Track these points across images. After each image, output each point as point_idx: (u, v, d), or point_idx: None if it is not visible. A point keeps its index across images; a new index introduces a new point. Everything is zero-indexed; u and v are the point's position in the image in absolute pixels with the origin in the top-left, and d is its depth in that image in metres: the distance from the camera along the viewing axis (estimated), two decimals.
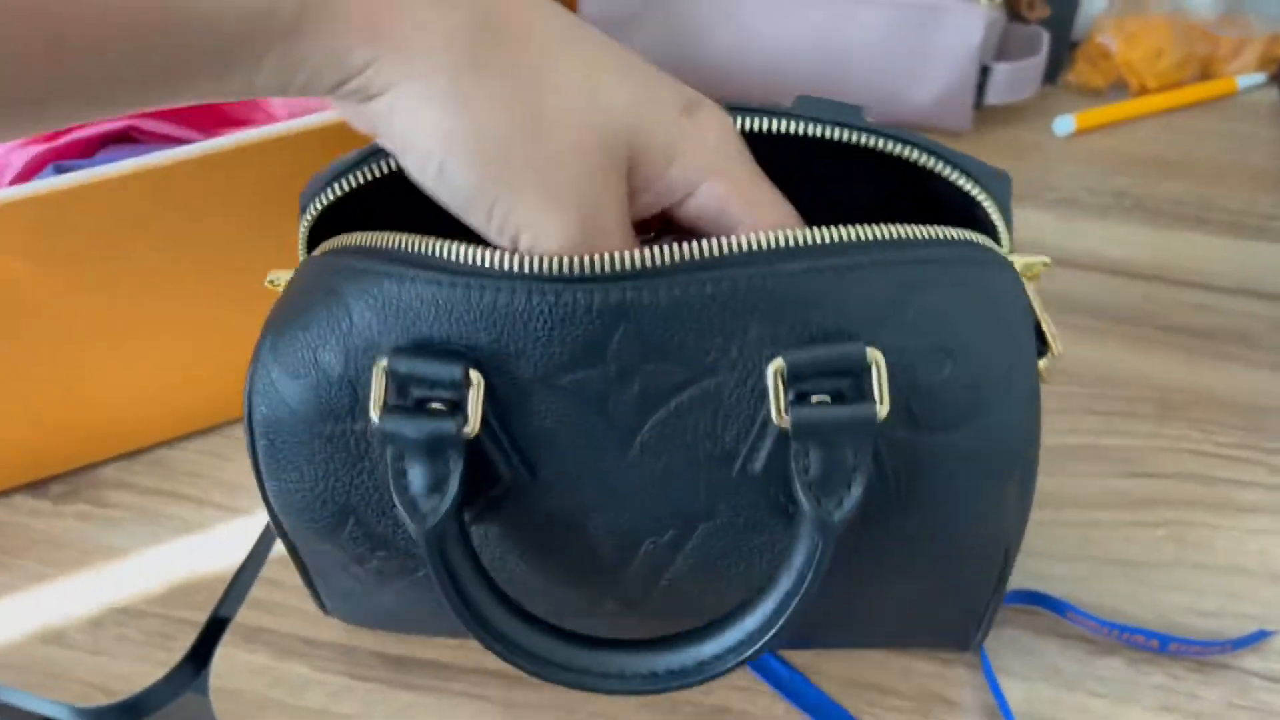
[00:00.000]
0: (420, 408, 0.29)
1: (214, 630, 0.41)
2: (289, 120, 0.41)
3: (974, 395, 0.29)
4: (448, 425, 0.28)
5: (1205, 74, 0.64)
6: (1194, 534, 0.43)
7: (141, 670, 0.40)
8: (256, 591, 0.43)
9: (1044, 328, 0.32)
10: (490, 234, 0.28)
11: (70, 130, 0.39)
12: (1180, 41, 0.61)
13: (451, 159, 0.27)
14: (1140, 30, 0.61)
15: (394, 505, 0.31)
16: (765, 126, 0.32)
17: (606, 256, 0.28)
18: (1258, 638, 0.39)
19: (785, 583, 0.29)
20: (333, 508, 0.32)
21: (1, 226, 0.37)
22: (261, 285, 0.44)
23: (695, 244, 0.28)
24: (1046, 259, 0.32)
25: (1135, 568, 0.42)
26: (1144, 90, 0.63)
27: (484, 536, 0.32)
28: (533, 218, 0.28)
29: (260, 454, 0.32)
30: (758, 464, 0.30)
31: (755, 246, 0.28)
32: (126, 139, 0.40)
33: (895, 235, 0.30)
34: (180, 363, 0.46)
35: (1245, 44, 0.63)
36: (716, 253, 0.28)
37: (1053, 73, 0.65)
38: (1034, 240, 0.56)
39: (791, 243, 0.29)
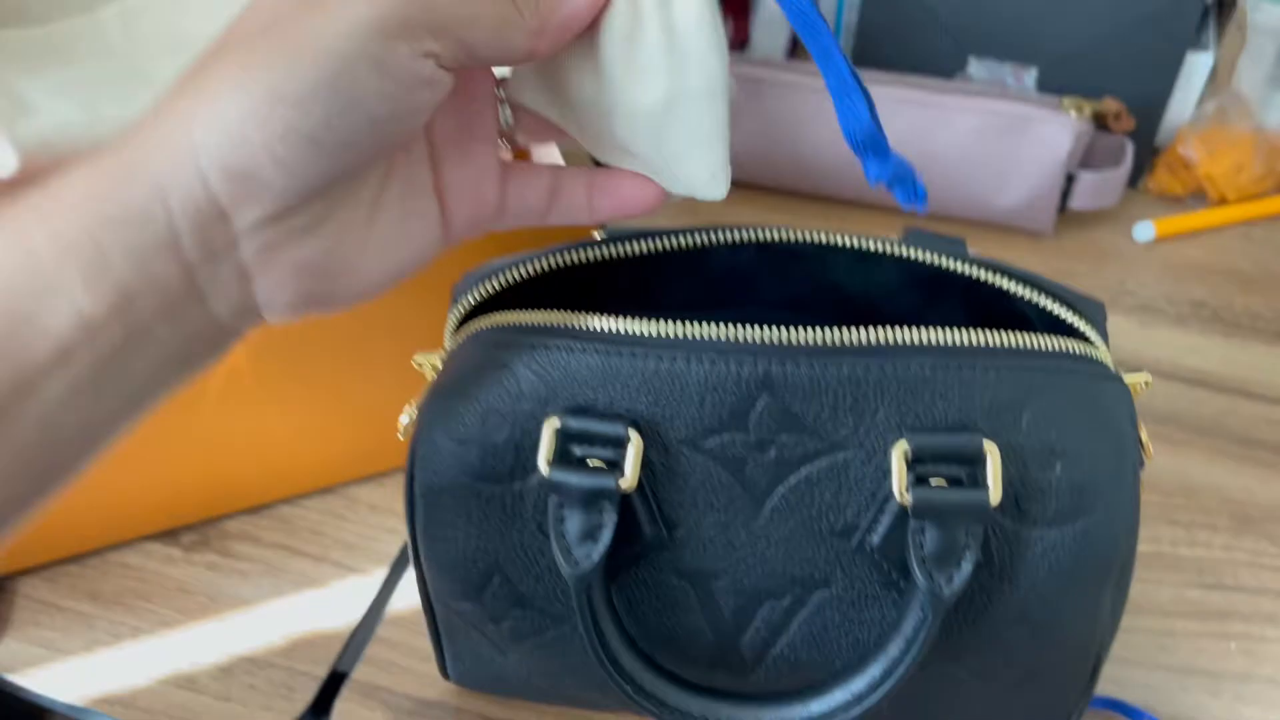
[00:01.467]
0: (581, 464, 0.33)
1: (333, 685, 0.44)
2: None
3: (1079, 497, 0.32)
4: (608, 480, 0.32)
5: None
6: (1266, 648, 0.44)
7: (266, 719, 0.43)
8: (372, 650, 0.46)
9: (1141, 437, 0.35)
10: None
11: None
12: (1262, 158, 0.63)
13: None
14: (1223, 145, 0.63)
15: (537, 563, 0.34)
16: (881, 249, 0.36)
17: (757, 331, 0.32)
18: None
19: (894, 649, 0.32)
20: (482, 566, 0.36)
21: None
22: (389, 359, 0.47)
23: (839, 330, 0.32)
24: (1149, 377, 0.35)
25: (1209, 678, 0.43)
26: (1223, 201, 0.65)
27: (618, 593, 0.35)
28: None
29: (419, 515, 0.36)
30: (875, 538, 0.33)
31: (894, 339, 0.32)
32: None
33: (1020, 343, 0.33)
34: (308, 427, 0.49)
35: None
36: (857, 340, 0.32)
37: (1133, 178, 0.67)
38: (1114, 346, 0.58)
39: (928, 339, 0.32)
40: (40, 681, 0.44)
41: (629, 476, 0.32)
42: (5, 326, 0.24)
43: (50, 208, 0.25)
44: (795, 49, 0.79)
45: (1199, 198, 0.66)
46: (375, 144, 0.26)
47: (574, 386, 0.33)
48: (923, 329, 0.32)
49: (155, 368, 0.26)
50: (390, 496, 0.52)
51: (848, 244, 0.36)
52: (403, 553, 0.49)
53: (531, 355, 0.34)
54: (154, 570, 0.49)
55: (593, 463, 0.33)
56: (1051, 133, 0.60)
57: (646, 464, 0.33)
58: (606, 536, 0.32)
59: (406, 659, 0.45)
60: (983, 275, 0.35)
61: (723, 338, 0.32)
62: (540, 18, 0.27)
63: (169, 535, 0.50)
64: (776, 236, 0.36)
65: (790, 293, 0.40)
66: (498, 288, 0.37)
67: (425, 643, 0.45)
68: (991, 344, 0.32)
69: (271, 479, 0.51)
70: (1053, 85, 0.66)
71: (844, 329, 0.32)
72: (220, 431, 0.47)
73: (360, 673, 0.45)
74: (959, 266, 0.35)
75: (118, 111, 0.47)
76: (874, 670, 0.32)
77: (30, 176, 0.45)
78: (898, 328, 0.32)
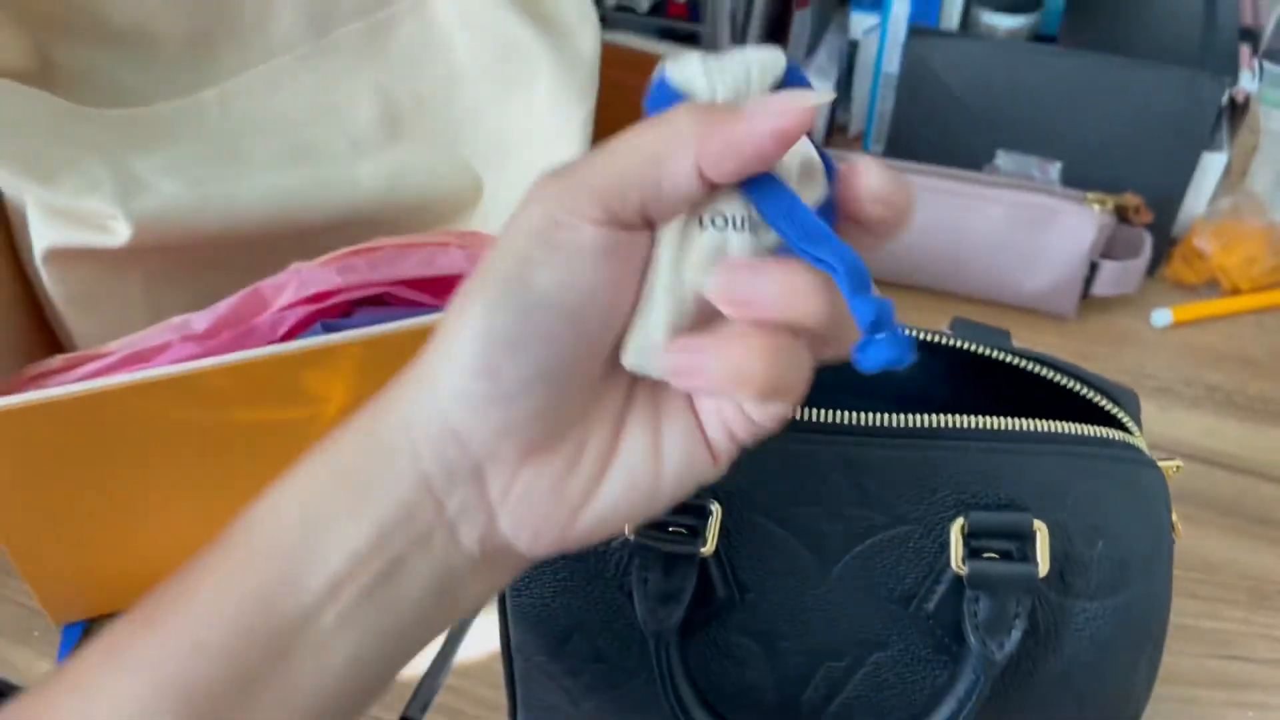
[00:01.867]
0: (663, 529, 0.36)
1: None
2: None
3: (1120, 572, 0.36)
4: (690, 546, 0.35)
5: None
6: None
7: None
8: (441, 698, 0.48)
9: (1173, 519, 0.38)
10: None
11: (337, 293, 0.46)
12: (1273, 251, 0.67)
13: None
14: (1236, 238, 0.67)
15: (615, 619, 0.37)
16: (935, 340, 0.39)
17: (837, 415, 0.35)
18: None
19: (947, 709, 0.35)
20: (565, 622, 0.39)
21: (281, 371, 0.44)
22: None
23: (913, 415, 0.35)
24: (1180, 463, 0.38)
25: None
26: (1236, 291, 0.69)
27: (690, 650, 0.38)
28: None
29: (511, 620, 0.39)
30: (931, 605, 0.36)
31: (954, 425, 0.35)
32: (378, 302, 0.48)
33: (1066, 431, 0.36)
34: None
35: None
36: (928, 425, 0.35)
37: (1150, 267, 0.71)
38: None
39: (984, 426, 0.36)
40: None
41: (709, 544, 0.35)
42: (296, 553, 0.26)
43: (331, 438, 0.27)
44: (830, 136, 0.83)
45: (1212, 287, 0.70)
46: (566, 325, 0.25)
47: None
48: (981, 417, 0.36)
49: (414, 602, 0.26)
50: None
51: (916, 336, 0.40)
52: None
53: None
54: None
55: (675, 529, 0.36)
56: (1077, 224, 0.64)
57: (724, 531, 0.36)
58: (686, 599, 0.35)
59: (475, 708, 0.48)
60: (1028, 365, 0.39)
61: (806, 418, 0.35)
62: (704, 135, 0.24)
63: None
64: None
65: (849, 381, 0.44)
66: None
67: (492, 692, 0.48)
68: (1041, 430, 0.36)
69: None
70: (1076, 177, 0.70)
71: (916, 415, 0.35)
72: None
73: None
74: (1006, 356, 0.39)
75: (222, 192, 0.51)
76: None
77: (141, 248, 0.49)
78: (959, 415, 0.36)
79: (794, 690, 0.38)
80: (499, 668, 0.42)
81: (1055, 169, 0.70)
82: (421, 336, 0.47)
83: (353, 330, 0.45)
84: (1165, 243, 0.70)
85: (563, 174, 0.25)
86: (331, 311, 0.47)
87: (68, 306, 0.50)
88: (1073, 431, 0.36)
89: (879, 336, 0.23)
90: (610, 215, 0.24)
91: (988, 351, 0.39)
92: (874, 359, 0.23)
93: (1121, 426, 0.38)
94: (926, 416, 0.36)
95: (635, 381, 0.27)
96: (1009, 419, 0.36)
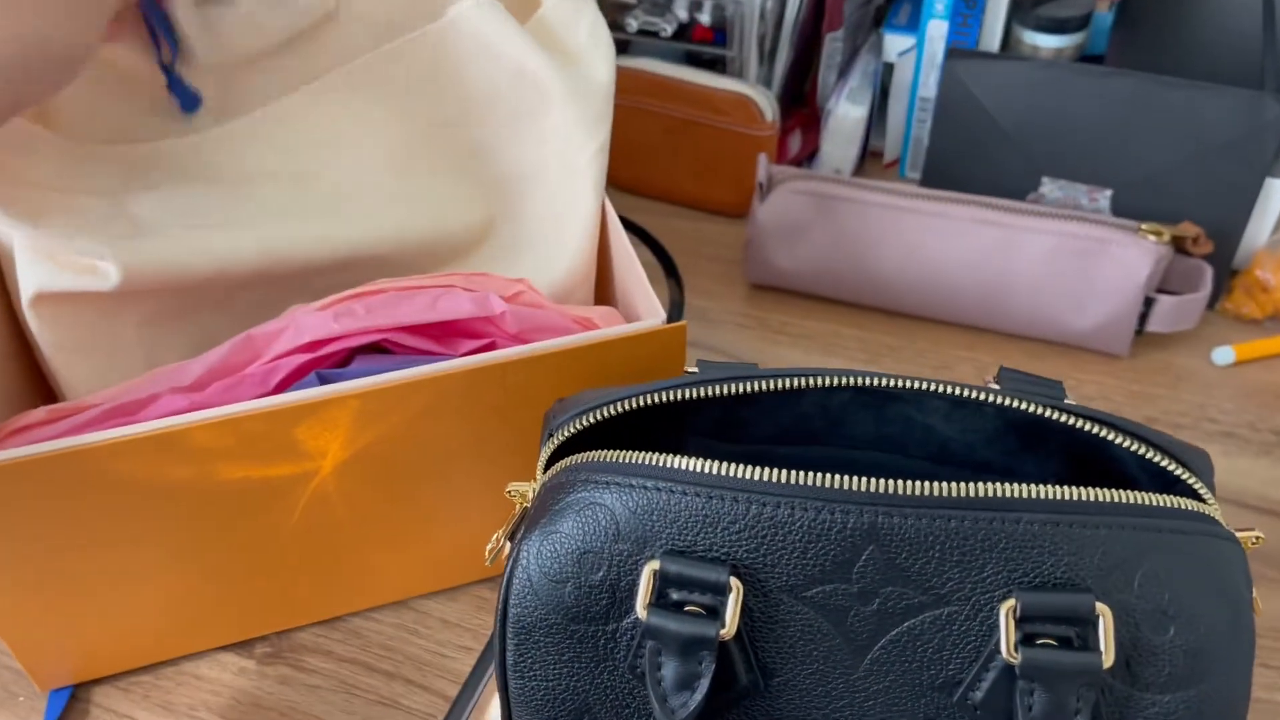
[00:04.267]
0: (679, 610, 0.32)
1: None
2: (518, 335, 0.45)
3: (1194, 662, 0.31)
4: (708, 628, 0.32)
5: None
6: None
7: None
8: None
9: (1253, 596, 0.34)
10: None
11: (333, 341, 0.43)
12: None
13: None
14: None
15: (627, 706, 0.34)
16: (979, 397, 0.35)
17: (863, 481, 0.32)
18: None
19: None
20: (570, 707, 0.35)
21: (274, 425, 0.41)
22: (473, 478, 0.47)
23: (947, 484, 0.31)
24: (1260, 534, 0.34)
25: None
26: None
27: None
28: None
29: (510, 651, 0.35)
30: (979, 694, 0.32)
31: (1004, 493, 0.31)
32: (376, 349, 0.45)
33: (1131, 500, 0.32)
34: (387, 544, 0.49)
35: None
36: (966, 493, 0.31)
37: (1210, 301, 0.67)
38: None
39: (1038, 495, 0.32)
40: None
41: (729, 625, 0.32)
42: None
43: None
44: (863, 163, 0.80)
45: (1277, 321, 0.66)
46: None
47: (673, 529, 0.33)
48: (1032, 486, 0.32)
49: None
50: (462, 611, 0.52)
51: (945, 391, 0.36)
52: (473, 672, 0.48)
53: (630, 495, 0.34)
54: (227, 682, 0.49)
55: (691, 609, 0.32)
56: (1131, 256, 0.60)
57: (745, 611, 0.33)
58: (704, 686, 0.32)
59: None
60: (1083, 425, 0.35)
61: (829, 485, 0.32)
62: None
63: (243, 646, 0.50)
64: (874, 382, 0.36)
65: (883, 433, 0.40)
66: (592, 422, 0.37)
67: None
68: (1102, 500, 0.32)
69: (347, 593, 0.51)
70: (1128, 206, 0.66)
71: (953, 483, 0.32)
72: (299, 546, 0.48)
73: None
74: (1061, 416, 0.35)
75: (221, 236, 0.48)
76: None
77: (134, 291, 0.47)
78: (1007, 483, 0.32)
79: None
80: None
81: (1106, 197, 0.66)
82: (422, 388, 0.45)
83: (349, 381, 0.42)
84: (1225, 275, 0.66)
85: None
86: (327, 360, 0.44)
87: (56, 353, 0.48)
88: (1138, 501, 0.32)
89: None
90: None
91: (1039, 410, 0.35)
92: None
93: (1193, 494, 0.34)
94: (970, 485, 0.32)
95: None
96: (1064, 488, 0.32)
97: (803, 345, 0.66)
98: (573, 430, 0.37)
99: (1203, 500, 0.34)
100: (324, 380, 0.42)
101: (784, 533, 0.32)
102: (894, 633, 0.32)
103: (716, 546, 0.33)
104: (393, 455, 0.45)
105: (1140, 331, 0.62)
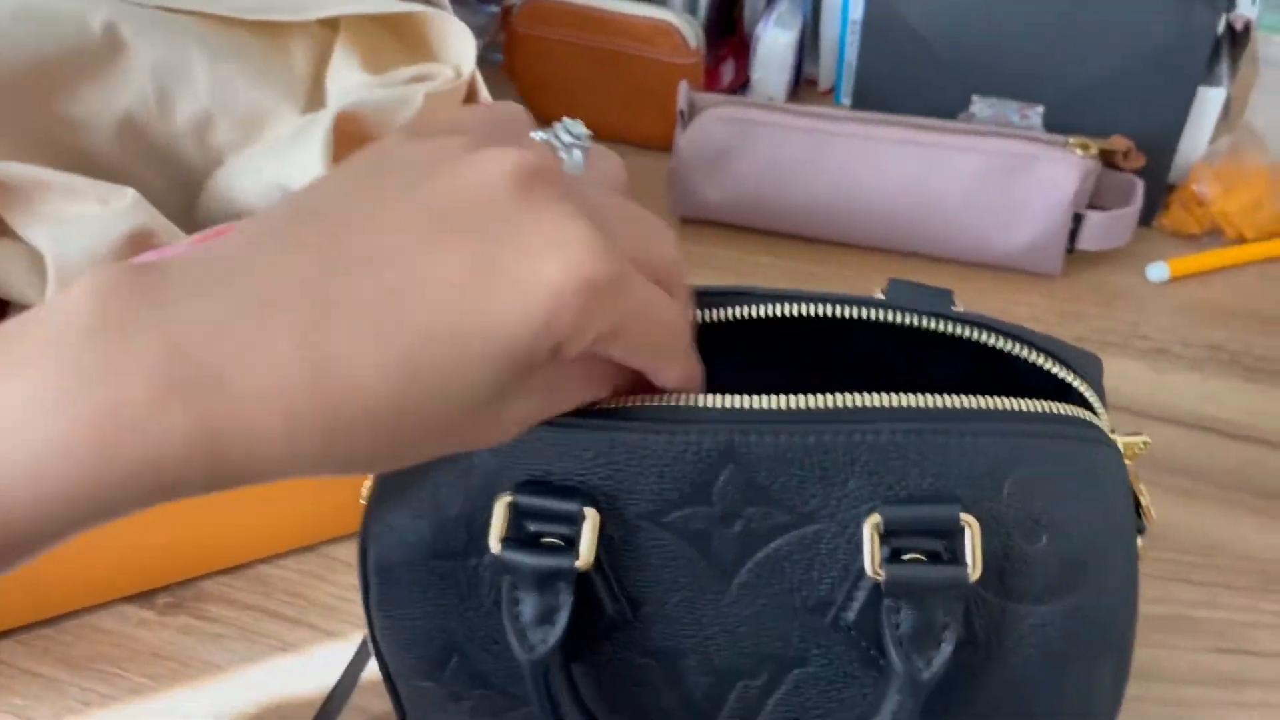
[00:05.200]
0: (535, 542, 0.31)
1: None
2: None
3: (1068, 571, 0.30)
4: (563, 560, 0.30)
5: None
6: None
7: None
8: (346, 717, 0.44)
9: (1141, 501, 0.33)
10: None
11: None
12: (1279, 193, 0.61)
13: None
14: (1238, 181, 0.61)
15: (496, 642, 0.32)
16: (862, 315, 0.33)
17: (717, 399, 0.30)
18: None
19: None
20: (438, 644, 0.34)
21: None
22: None
23: (805, 396, 0.30)
24: (1147, 439, 0.33)
25: None
26: (1241, 240, 0.63)
27: (582, 674, 0.33)
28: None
29: (373, 590, 0.34)
30: (851, 614, 0.30)
31: (864, 404, 0.30)
32: None
33: (1001, 407, 0.30)
34: (284, 486, 0.48)
35: None
36: (824, 405, 0.30)
37: (1146, 216, 0.65)
38: (1126, 391, 0.55)
39: (899, 404, 0.30)
40: None
41: (585, 556, 0.30)
42: None
43: None
44: (797, 90, 0.78)
45: (1215, 236, 0.64)
46: None
47: (527, 459, 0.31)
48: (894, 395, 0.30)
49: None
50: None
51: (826, 312, 0.34)
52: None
53: None
54: (128, 634, 0.48)
55: (548, 540, 0.31)
56: (1057, 172, 0.58)
57: (606, 540, 0.31)
58: (563, 619, 0.30)
59: None
60: (968, 333, 0.33)
61: (682, 404, 0.30)
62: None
63: (144, 597, 0.49)
64: (753, 313, 0.34)
65: (767, 358, 0.38)
66: None
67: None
68: (968, 407, 0.30)
69: (248, 539, 0.49)
70: (1060, 122, 0.64)
71: (810, 396, 0.30)
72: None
73: None
74: (943, 326, 0.33)
75: None
76: None
77: None
78: (867, 394, 0.30)
79: (707, 713, 0.33)
80: None
81: (1037, 114, 0.64)
82: None
83: None
84: (1162, 190, 0.64)
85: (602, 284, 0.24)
86: None
87: None
88: (1008, 407, 0.30)
89: None
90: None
91: (922, 323, 0.34)
92: None
93: (1077, 399, 0.32)
94: (828, 396, 0.30)
95: None
96: (928, 396, 0.30)
97: (723, 276, 0.64)
98: None
99: (1089, 406, 0.33)
100: None
101: (639, 457, 0.30)
102: (760, 555, 0.31)
103: (573, 475, 0.31)
104: None
105: (1072, 250, 0.61)
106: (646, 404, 0.30)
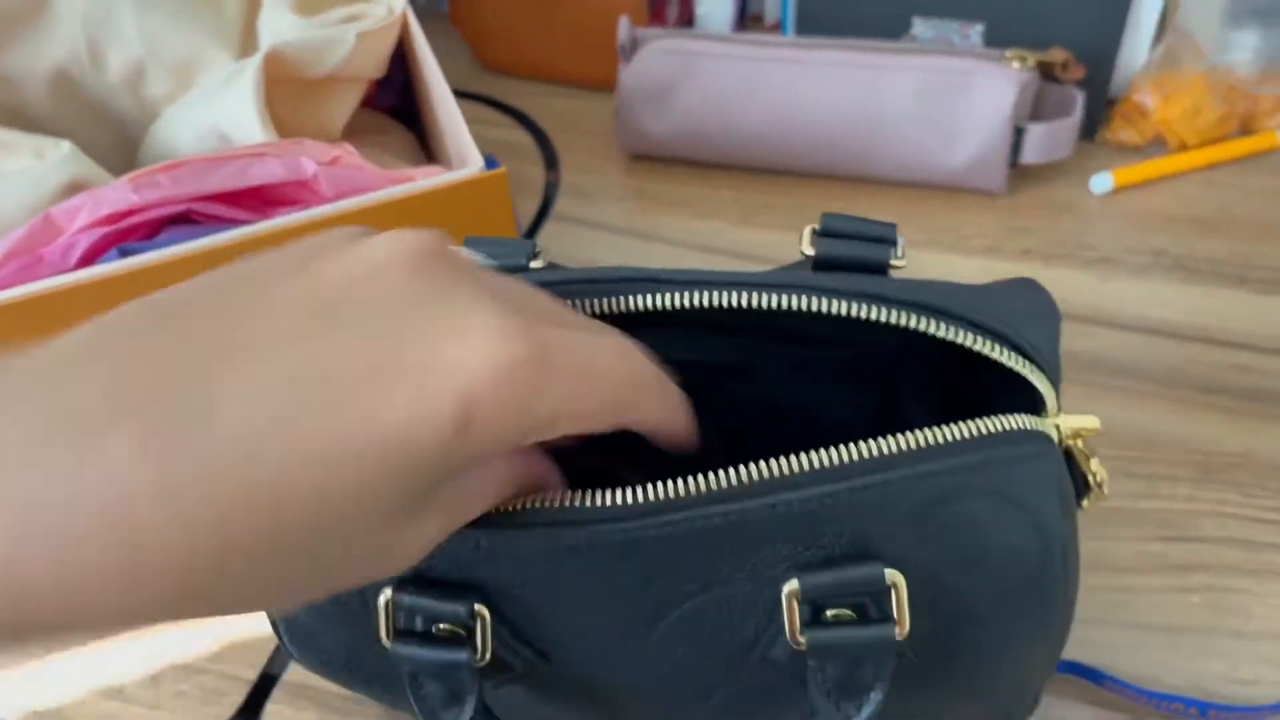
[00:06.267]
0: (428, 635, 0.29)
1: (264, 687, 0.43)
2: (337, 200, 0.43)
3: (1003, 597, 0.28)
4: (459, 654, 0.28)
5: (1246, 130, 0.64)
6: (1231, 600, 0.42)
7: None
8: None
9: (1092, 480, 0.31)
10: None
11: (134, 213, 0.41)
12: (1219, 99, 0.61)
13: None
14: (1177, 89, 0.61)
15: (398, 670, 0.30)
16: (803, 307, 0.30)
17: (608, 496, 0.27)
18: None
19: None
20: (338, 652, 0.33)
21: (71, 305, 0.40)
22: None
23: (703, 478, 0.27)
24: (1097, 424, 0.30)
25: (1170, 634, 0.41)
26: (1183, 147, 0.63)
27: (508, 696, 0.32)
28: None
29: (285, 639, 0.34)
30: (775, 652, 0.28)
31: (766, 475, 0.27)
32: (186, 220, 0.43)
33: (915, 445, 0.27)
34: None
35: None
36: (725, 485, 0.27)
37: (1090, 130, 0.65)
38: (1071, 301, 0.56)
39: (803, 467, 0.27)
40: None
41: (482, 652, 0.28)
42: None
43: None
44: (743, 24, 0.77)
45: (1160, 146, 0.64)
46: None
47: None
48: (794, 458, 0.27)
49: None
50: None
51: (742, 303, 0.30)
52: None
53: None
54: None
55: (442, 631, 0.29)
56: (995, 86, 0.58)
57: (508, 622, 0.29)
58: (473, 701, 0.29)
59: None
60: (899, 320, 0.29)
61: (565, 505, 0.27)
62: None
63: None
64: (665, 303, 0.30)
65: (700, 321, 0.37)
66: None
67: None
68: (888, 453, 0.27)
69: None
70: (1001, 40, 0.64)
71: (709, 476, 0.27)
72: None
73: (291, 674, 0.43)
74: (872, 314, 0.29)
75: None
76: None
77: None
78: (776, 460, 0.27)
79: None
80: None
81: (977, 32, 0.64)
82: (230, 254, 0.43)
83: (150, 253, 0.40)
84: (1104, 102, 0.64)
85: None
86: (132, 233, 0.42)
87: None
88: (925, 443, 0.27)
89: None
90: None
91: (852, 311, 0.29)
92: None
93: (1026, 406, 0.29)
94: (726, 475, 0.27)
95: None
96: (837, 450, 0.27)
97: (678, 211, 0.64)
98: None
99: (1039, 406, 0.29)
100: (125, 254, 0.41)
101: (525, 560, 0.28)
102: (675, 615, 0.28)
103: (456, 573, 0.28)
104: None
105: (1015, 165, 0.61)
106: (534, 506, 0.27)
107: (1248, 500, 0.46)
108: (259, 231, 0.41)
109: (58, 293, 0.39)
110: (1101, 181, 0.62)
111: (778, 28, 0.77)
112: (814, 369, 0.38)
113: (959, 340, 0.29)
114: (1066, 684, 0.40)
